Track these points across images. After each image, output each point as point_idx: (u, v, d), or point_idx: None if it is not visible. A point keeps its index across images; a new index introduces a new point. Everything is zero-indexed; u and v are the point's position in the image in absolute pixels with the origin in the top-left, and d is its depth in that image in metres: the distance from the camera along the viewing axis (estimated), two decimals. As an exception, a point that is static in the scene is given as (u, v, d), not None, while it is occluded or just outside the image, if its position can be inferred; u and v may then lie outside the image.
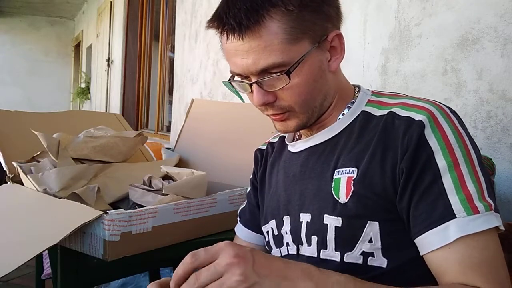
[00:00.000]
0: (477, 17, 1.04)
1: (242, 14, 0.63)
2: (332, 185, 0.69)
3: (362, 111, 0.72)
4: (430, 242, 0.60)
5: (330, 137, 0.73)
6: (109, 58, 5.72)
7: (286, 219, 0.76)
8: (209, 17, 0.69)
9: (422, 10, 1.18)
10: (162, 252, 0.96)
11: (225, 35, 0.66)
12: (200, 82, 2.79)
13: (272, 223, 0.79)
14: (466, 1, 1.07)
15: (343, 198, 0.67)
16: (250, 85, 0.68)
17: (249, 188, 0.92)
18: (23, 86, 8.49)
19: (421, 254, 0.63)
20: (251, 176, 0.92)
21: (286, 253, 0.76)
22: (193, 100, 1.54)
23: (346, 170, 0.68)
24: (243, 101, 1.78)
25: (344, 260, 0.66)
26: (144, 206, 0.96)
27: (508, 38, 0.97)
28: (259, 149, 0.90)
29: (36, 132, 1.10)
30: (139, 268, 1.24)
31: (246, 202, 0.92)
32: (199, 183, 1.06)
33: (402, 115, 0.66)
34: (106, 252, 0.85)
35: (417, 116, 0.64)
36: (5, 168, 1.14)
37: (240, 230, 0.90)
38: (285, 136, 0.84)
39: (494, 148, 1.00)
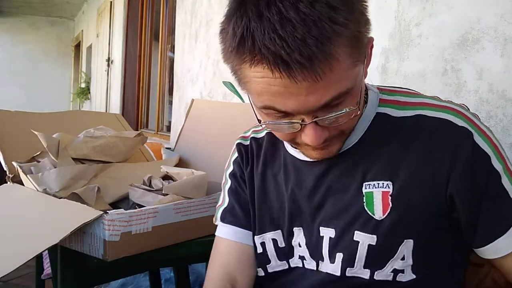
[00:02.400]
0: (477, 17, 1.04)
1: (313, 46, 0.49)
2: (364, 200, 0.64)
3: (377, 113, 0.67)
4: (508, 245, 0.60)
5: (351, 145, 0.66)
6: (109, 58, 5.71)
7: (298, 231, 0.70)
8: (231, 41, 0.53)
9: (422, 10, 1.18)
10: (162, 252, 0.96)
11: (280, 73, 0.51)
12: (200, 82, 2.79)
13: (276, 234, 0.73)
14: (466, 1, 1.07)
15: (379, 214, 0.62)
16: (302, 124, 0.56)
17: (229, 183, 0.80)
18: (23, 86, 8.49)
19: (494, 258, 0.62)
20: (231, 169, 0.80)
21: (301, 266, 0.71)
22: (193, 100, 1.54)
23: (378, 183, 0.63)
24: (243, 101, 1.78)
25: (374, 277, 0.63)
26: (144, 206, 0.96)
27: (508, 38, 0.97)
28: (241, 143, 0.80)
29: (36, 132, 1.09)
30: (139, 268, 1.24)
31: (228, 200, 0.79)
32: (199, 183, 1.06)
33: (434, 116, 0.63)
34: (106, 252, 0.85)
35: (458, 121, 0.61)
36: (5, 168, 1.14)
37: (233, 233, 0.77)
38: (274, 135, 0.71)
39: (494, 148, 1.00)
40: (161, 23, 4.08)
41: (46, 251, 1.04)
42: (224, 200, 0.81)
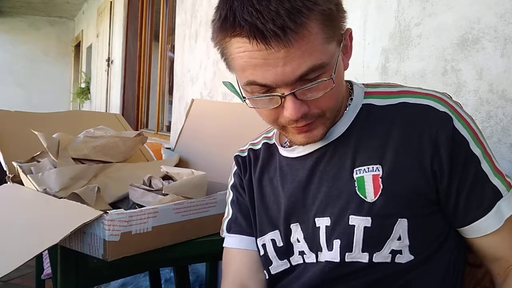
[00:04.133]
0: (477, 17, 1.04)
1: (285, 16, 0.55)
2: (356, 185, 0.66)
3: (363, 104, 0.70)
4: (488, 225, 0.64)
5: (339, 135, 0.70)
6: (109, 58, 5.71)
7: (295, 227, 0.72)
8: (217, 22, 0.61)
9: (422, 10, 1.18)
10: (162, 252, 0.96)
11: (257, 42, 0.57)
12: (200, 82, 2.79)
13: (274, 234, 0.75)
14: (466, 1, 1.07)
15: (371, 196, 0.65)
16: (282, 98, 0.61)
17: (231, 195, 0.85)
18: (23, 86, 8.49)
19: (471, 238, 0.66)
20: (232, 181, 0.85)
21: (301, 262, 0.72)
22: (193, 100, 1.54)
23: (368, 168, 0.66)
24: (243, 101, 1.78)
25: (373, 260, 0.65)
26: (144, 206, 0.96)
27: (508, 38, 0.97)
28: (239, 155, 0.85)
29: (36, 132, 1.10)
30: (139, 268, 1.24)
31: (231, 212, 0.84)
32: (199, 183, 1.06)
33: (415, 102, 0.66)
34: (106, 252, 0.85)
35: (438, 106, 0.65)
36: (5, 168, 1.14)
37: (239, 241, 0.81)
38: (268, 143, 0.81)
39: (494, 148, 1.00)
40: (161, 23, 4.08)
41: (46, 251, 1.04)
42: (228, 212, 0.85)
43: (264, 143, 0.82)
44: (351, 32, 0.68)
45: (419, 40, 1.19)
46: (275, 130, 0.82)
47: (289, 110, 0.61)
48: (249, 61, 0.59)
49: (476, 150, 0.64)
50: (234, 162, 0.86)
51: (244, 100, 0.66)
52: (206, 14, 2.67)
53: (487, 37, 1.02)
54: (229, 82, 1.88)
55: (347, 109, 0.71)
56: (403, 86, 0.71)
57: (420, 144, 0.64)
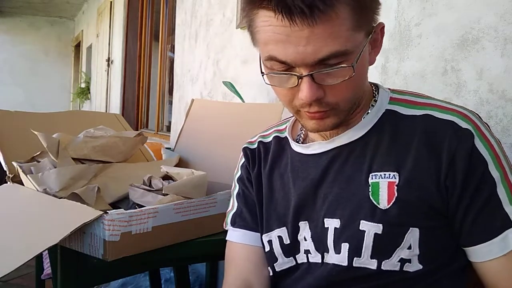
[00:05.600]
0: (477, 17, 1.04)
1: None
2: (370, 190, 0.65)
3: (387, 110, 0.69)
4: (490, 250, 0.62)
5: (358, 137, 0.68)
6: (109, 58, 5.71)
7: (304, 225, 0.71)
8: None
9: (422, 10, 1.18)
10: (162, 252, 0.96)
11: (282, 17, 0.56)
12: (200, 82, 2.79)
13: (281, 231, 0.74)
14: (466, 1, 1.07)
15: (384, 203, 0.64)
16: (299, 78, 0.59)
17: (237, 188, 0.83)
18: (23, 86, 8.49)
19: (474, 261, 0.64)
20: (239, 174, 0.83)
21: (305, 261, 0.71)
22: (193, 100, 1.54)
23: (385, 174, 0.65)
24: (243, 101, 1.78)
25: (382, 267, 0.64)
26: (144, 206, 0.96)
27: (508, 38, 0.97)
28: (248, 147, 0.83)
29: (36, 132, 1.10)
30: (139, 268, 1.24)
31: (237, 205, 0.82)
32: (199, 183, 1.06)
33: (442, 118, 0.64)
34: (106, 252, 0.85)
35: (461, 123, 0.63)
36: (5, 168, 1.14)
37: (243, 236, 0.79)
38: (279, 136, 0.79)
39: (494, 148, 1.00)
40: (161, 23, 4.08)
41: (46, 251, 1.04)
42: (233, 205, 0.83)
43: (275, 136, 0.80)
44: (384, 26, 0.65)
45: (419, 40, 1.19)
46: (287, 124, 0.80)
47: (305, 92, 0.59)
48: (272, 35, 0.58)
49: (495, 173, 0.61)
50: (242, 154, 0.84)
51: (263, 76, 0.64)
52: (206, 14, 2.66)
53: (487, 37, 1.02)
54: (229, 82, 1.88)
55: (369, 111, 0.69)
56: (433, 98, 0.69)
57: (439, 158, 0.62)
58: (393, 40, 1.27)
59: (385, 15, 1.29)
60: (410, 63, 1.22)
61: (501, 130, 0.99)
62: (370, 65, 0.66)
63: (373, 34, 0.63)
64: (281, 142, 0.79)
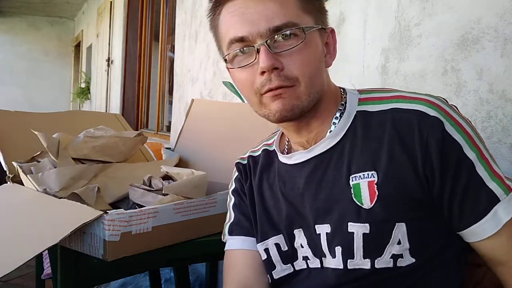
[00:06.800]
0: (477, 17, 1.04)
1: None
2: (352, 192, 0.67)
3: (357, 112, 0.70)
4: (484, 230, 0.63)
5: (334, 143, 0.70)
6: (109, 58, 5.71)
7: (299, 232, 0.73)
8: (209, 4, 0.71)
9: (422, 10, 1.18)
10: (162, 252, 0.96)
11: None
12: (200, 82, 2.79)
13: (278, 238, 0.75)
14: (466, 1, 1.07)
15: (367, 203, 0.65)
16: (257, 50, 0.64)
17: (233, 199, 0.85)
18: (23, 86, 8.49)
19: (470, 242, 0.65)
20: (233, 187, 0.86)
21: (305, 267, 0.73)
22: (193, 100, 1.54)
23: (363, 174, 0.66)
24: (243, 101, 1.78)
25: (376, 266, 0.65)
26: (144, 206, 0.96)
27: (508, 38, 0.97)
28: (240, 163, 0.86)
29: (36, 132, 1.09)
30: (139, 268, 1.24)
31: (234, 215, 0.84)
32: (199, 183, 1.06)
33: (407, 108, 0.66)
34: (106, 252, 0.85)
35: (429, 111, 0.64)
36: (5, 168, 1.14)
37: (242, 242, 0.80)
38: (268, 150, 0.82)
39: (494, 148, 1.00)
40: (161, 23, 4.08)
41: (46, 251, 1.04)
42: (230, 216, 0.85)
43: (264, 150, 0.83)
44: (334, 31, 0.73)
45: (419, 40, 1.19)
46: (275, 137, 0.83)
47: (262, 59, 0.63)
48: (231, 19, 0.66)
49: (471, 154, 0.63)
50: (235, 169, 0.87)
51: (227, 66, 0.70)
52: (206, 14, 2.66)
53: (487, 37, 1.02)
54: (229, 82, 1.88)
55: (337, 114, 0.72)
56: (398, 90, 0.71)
57: (412, 150, 0.63)
58: (393, 40, 1.27)
59: (385, 15, 1.29)
60: (410, 63, 1.22)
61: (501, 130, 0.99)
62: (327, 67, 0.71)
63: (325, 33, 0.70)
64: (270, 155, 0.81)
